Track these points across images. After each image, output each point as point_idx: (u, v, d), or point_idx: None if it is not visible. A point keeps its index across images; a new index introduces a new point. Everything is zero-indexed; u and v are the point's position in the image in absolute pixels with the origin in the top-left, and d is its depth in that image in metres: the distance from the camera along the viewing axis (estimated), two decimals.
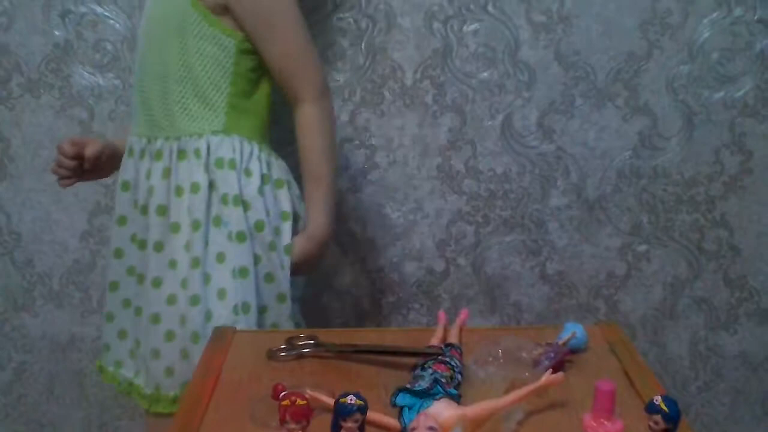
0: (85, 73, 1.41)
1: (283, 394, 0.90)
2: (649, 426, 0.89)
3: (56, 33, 1.38)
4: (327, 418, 0.93)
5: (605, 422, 0.93)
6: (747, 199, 1.48)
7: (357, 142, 1.44)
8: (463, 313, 1.29)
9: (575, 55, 1.39)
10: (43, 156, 1.47)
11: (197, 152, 1.11)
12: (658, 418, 0.88)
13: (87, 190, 1.46)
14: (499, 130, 1.43)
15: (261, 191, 1.14)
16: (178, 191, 1.12)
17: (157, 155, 1.13)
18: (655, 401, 0.88)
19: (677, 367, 1.60)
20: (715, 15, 1.37)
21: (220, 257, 1.13)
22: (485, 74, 1.40)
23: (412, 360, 1.17)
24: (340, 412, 0.88)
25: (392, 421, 0.99)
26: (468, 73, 1.40)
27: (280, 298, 1.19)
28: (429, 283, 1.54)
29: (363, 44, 1.39)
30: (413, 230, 1.50)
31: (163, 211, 1.13)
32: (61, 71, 1.40)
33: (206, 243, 1.12)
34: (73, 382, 1.61)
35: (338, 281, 1.54)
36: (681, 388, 1.60)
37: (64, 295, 1.55)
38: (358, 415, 0.88)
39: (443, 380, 1.03)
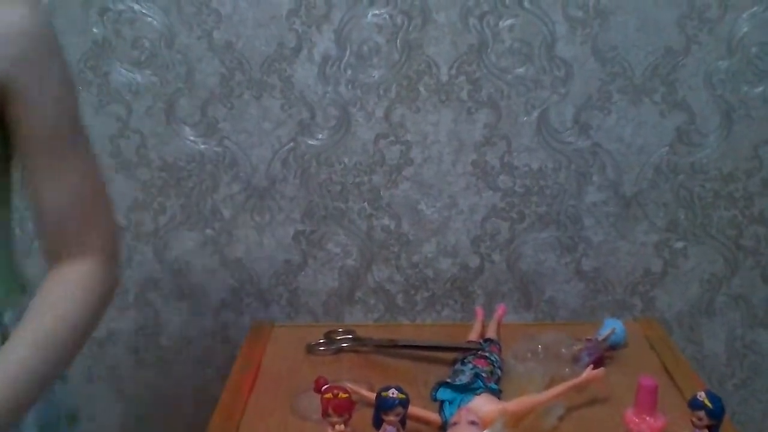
0: (123, 70, 1.42)
1: (325, 387, 0.92)
2: (692, 422, 0.89)
3: (95, 30, 1.40)
4: (367, 412, 0.94)
5: (648, 418, 0.93)
6: None
7: (392, 138, 1.44)
8: (501, 309, 1.29)
9: (612, 51, 1.38)
10: None
11: None
12: (701, 413, 0.88)
13: (125, 185, 1.47)
14: (534, 125, 1.43)
15: None
16: None
17: None
18: (698, 397, 0.88)
19: (714, 364, 1.59)
20: (754, 9, 1.35)
21: None
22: (521, 70, 1.40)
23: (450, 355, 1.18)
24: (382, 405, 0.89)
25: (433, 416, 1.00)
26: (504, 68, 1.40)
27: None
28: (463, 279, 1.54)
29: (398, 40, 1.39)
30: (448, 226, 1.50)
31: None
32: (100, 68, 1.41)
33: None
34: (109, 376, 1.62)
35: (372, 277, 1.54)
36: (717, 386, 1.58)
37: None
38: (399, 409, 0.89)
39: (483, 375, 1.04)
